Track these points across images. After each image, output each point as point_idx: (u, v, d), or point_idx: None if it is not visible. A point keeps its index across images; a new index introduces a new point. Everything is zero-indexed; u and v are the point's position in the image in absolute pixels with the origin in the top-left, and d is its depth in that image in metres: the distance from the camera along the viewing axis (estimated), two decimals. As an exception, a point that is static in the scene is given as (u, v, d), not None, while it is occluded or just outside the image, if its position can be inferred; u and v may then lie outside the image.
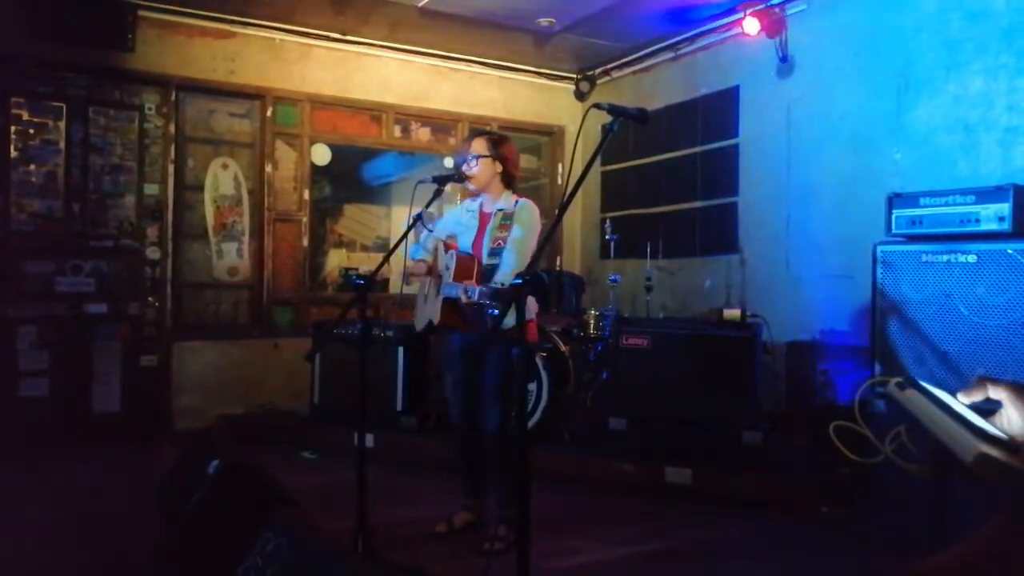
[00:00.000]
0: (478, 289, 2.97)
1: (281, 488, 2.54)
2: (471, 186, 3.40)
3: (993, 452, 0.74)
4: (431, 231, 3.46)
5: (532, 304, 3.30)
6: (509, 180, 3.42)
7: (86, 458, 4.69)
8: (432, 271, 3.41)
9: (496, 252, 3.25)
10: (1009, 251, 3.14)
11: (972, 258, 3.25)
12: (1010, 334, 3.10)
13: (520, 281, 1.91)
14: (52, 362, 5.12)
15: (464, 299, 3.00)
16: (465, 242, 3.39)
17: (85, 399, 5.23)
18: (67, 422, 5.08)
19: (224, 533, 2.22)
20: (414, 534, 3.38)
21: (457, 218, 3.51)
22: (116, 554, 3.11)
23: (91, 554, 3.13)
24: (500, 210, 3.34)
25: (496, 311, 2.83)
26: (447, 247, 3.42)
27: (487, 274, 3.22)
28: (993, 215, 3.24)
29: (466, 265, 3.25)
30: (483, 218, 3.40)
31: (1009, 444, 0.76)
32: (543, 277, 1.98)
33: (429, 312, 3.35)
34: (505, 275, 3.13)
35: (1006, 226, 3.20)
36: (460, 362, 3.40)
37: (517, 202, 3.36)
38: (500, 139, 3.45)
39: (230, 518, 2.30)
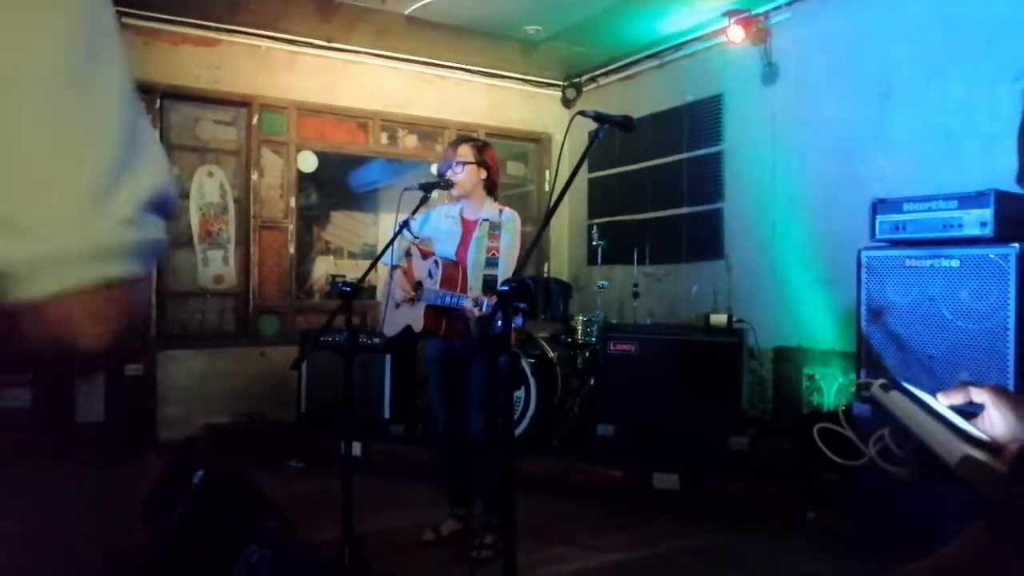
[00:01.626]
0: (485, 300, 2.99)
1: (267, 499, 2.52)
2: (455, 191, 3.40)
3: (977, 454, 0.74)
4: (418, 238, 3.45)
5: None
6: (492, 187, 3.42)
7: (69, 469, 4.63)
8: (409, 276, 3.39)
9: (492, 262, 3.26)
10: (991, 256, 3.17)
11: (955, 263, 3.28)
12: (992, 338, 3.13)
13: (506, 288, 1.91)
14: (34, 372, 5.06)
15: (477, 312, 3.01)
16: (446, 249, 3.36)
17: (68, 409, 5.16)
18: (50, 432, 5.02)
19: (209, 545, 2.19)
20: (401, 543, 3.36)
21: (435, 223, 3.46)
22: (99, 566, 3.07)
23: (74, 566, 3.08)
24: (486, 220, 3.34)
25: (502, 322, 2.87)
26: (423, 253, 3.41)
27: (489, 284, 3.21)
28: (975, 220, 3.27)
29: (451, 273, 3.25)
30: (467, 225, 3.39)
31: (992, 446, 0.76)
32: (529, 284, 1.99)
33: (407, 318, 3.32)
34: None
35: (988, 231, 3.23)
36: (442, 369, 3.39)
37: (502, 212, 3.37)
38: (484, 145, 3.47)
39: (215, 530, 2.27)
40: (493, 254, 3.28)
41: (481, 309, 2.99)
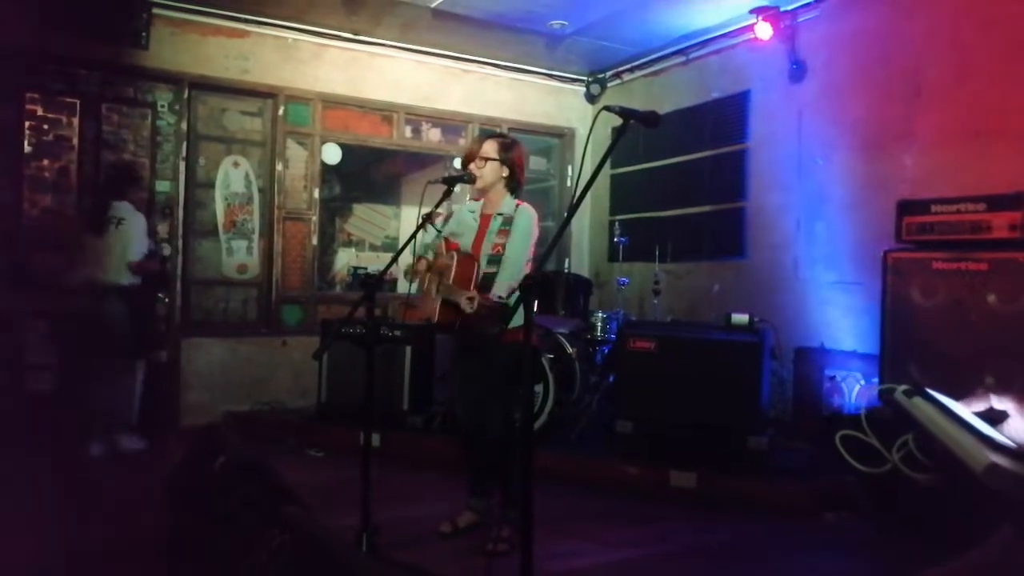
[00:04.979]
0: (477, 298, 3.02)
1: (287, 486, 2.55)
2: (477, 186, 3.41)
3: (1003, 462, 0.74)
4: (440, 231, 3.45)
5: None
6: (515, 186, 3.42)
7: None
8: (432, 268, 3.40)
9: (495, 259, 3.27)
10: (1021, 259, 3.13)
11: (983, 266, 3.24)
12: (1020, 343, 3.08)
13: (527, 285, 1.91)
14: (59, 357, 5.15)
15: (468, 309, 3.03)
16: (466, 242, 3.39)
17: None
18: (72, 415, 5.10)
19: (230, 530, 2.23)
20: (418, 534, 3.38)
21: (460, 218, 3.51)
22: (122, 549, 3.13)
23: (97, 547, 3.14)
24: (501, 214, 3.35)
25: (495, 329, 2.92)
26: (448, 246, 3.42)
27: (485, 282, 3.22)
28: (1005, 223, 3.23)
29: (466, 268, 3.24)
30: (484, 220, 3.40)
31: (1018, 453, 0.76)
32: (548, 281, 2.00)
33: (427, 310, 3.34)
34: (500, 286, 3.17)
35: (1018, 234, 3.18)
36: (460, 362, 3.40)
37: (518, 207, 3.36)
38: (511, 144, 3.45)
39: (236, 515, 2.31)
40: (497, 251, 3.28)
41: (472, 306, 3.01)
